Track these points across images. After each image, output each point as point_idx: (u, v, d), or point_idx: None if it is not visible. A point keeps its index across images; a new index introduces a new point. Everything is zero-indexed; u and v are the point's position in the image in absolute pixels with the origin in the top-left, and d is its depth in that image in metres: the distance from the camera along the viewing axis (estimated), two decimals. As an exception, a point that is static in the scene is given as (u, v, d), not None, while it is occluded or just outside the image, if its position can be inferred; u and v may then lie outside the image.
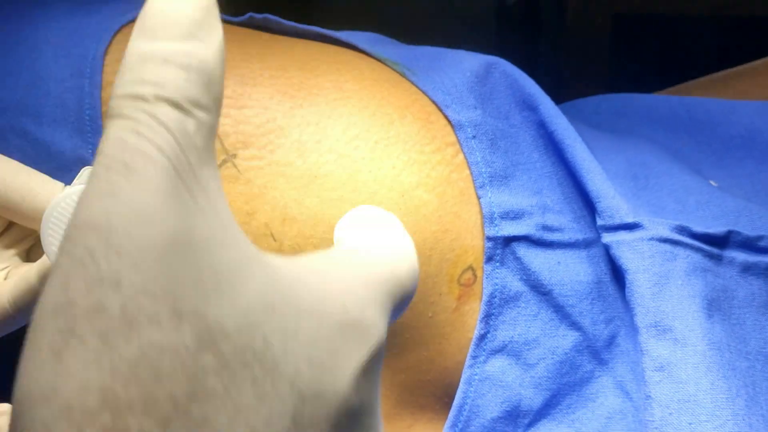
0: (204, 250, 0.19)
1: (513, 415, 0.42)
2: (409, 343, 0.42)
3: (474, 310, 0.42)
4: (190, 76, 0.20)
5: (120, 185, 0.18)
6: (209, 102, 0.20)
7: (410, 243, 0.27)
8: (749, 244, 0.44)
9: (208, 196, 0.20)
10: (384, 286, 0.24)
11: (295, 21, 0.47)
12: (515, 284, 0.42)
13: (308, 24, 0.47)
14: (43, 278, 0.35)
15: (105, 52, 0.40)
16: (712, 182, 0.49)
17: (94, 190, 0.18)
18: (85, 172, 0.38)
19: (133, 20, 0.42)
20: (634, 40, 1.04)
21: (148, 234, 0.17)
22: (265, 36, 0.46)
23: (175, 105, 0.19)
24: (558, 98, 0.54)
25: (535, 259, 0.43)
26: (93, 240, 0.17)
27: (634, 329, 0.42)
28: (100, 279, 0.17)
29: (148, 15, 0.20)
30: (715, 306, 0.43)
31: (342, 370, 0.21)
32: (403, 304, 0.25)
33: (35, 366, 0.17)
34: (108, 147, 0.18)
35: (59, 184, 0.37)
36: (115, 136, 0.19)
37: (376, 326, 0.23)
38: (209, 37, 0.21)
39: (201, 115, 0.20)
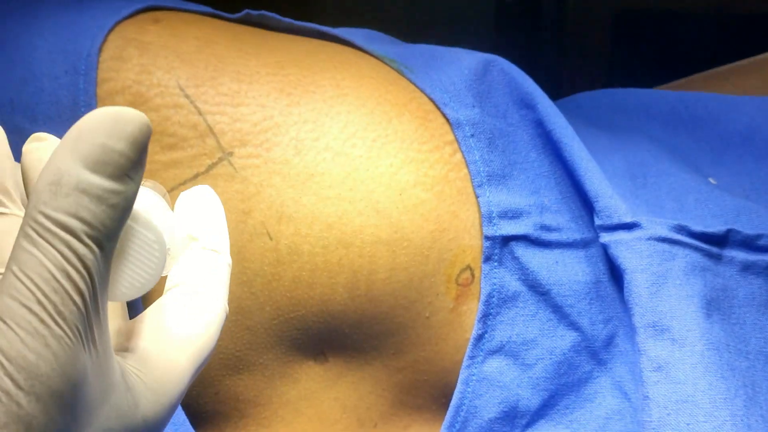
0: (86, 403, 0.23)
1: (511, 415, 0.41)
2: (405, 343, 0.41)
3: (472, 310, 0.42)
4: (115, 214, 0.23)
5: (46, 335, 0.21)
6: (119, 232, 0.23)
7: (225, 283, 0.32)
8: (749, 243, 0.44)
9: (101, 336, 0.23)
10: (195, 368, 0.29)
11: (292, 18, 0.47)
12: (513, 284, 0.42)
13: (305, 21, 0.47)
14: None
15: (100, 49, 0.40)
16: (711, 180, 0.49)
17: (22, 329, 0.21)
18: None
19: (128, 16, 0.41)
20: (635, 38, 1.04)
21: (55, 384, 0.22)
22: (262, 33, 0.45)
23: (99, 244, 0.22)
24: (557, 96, 0.53)
25: (534, 258, 0.42)
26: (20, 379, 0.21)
27: (632, 329, 0.42)
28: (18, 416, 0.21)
29: (91, 143, 0.22)
30: (714, 305, 0.42)
31: None
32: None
33: None
34: (36, 277, 0.21)
35: None
36: (41, 267, 0.21)
37: None
38: (137, 174, 0.23)
39: (112, 245, 0.23)
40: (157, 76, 0.40)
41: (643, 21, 1.05)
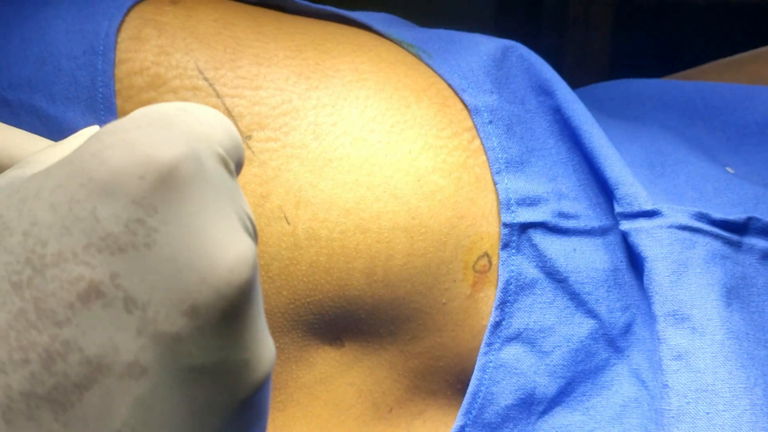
0: None
1: (527, 402, 0.41)
2: (422, 329, 0.41)
3: (489, 297, 0.42)
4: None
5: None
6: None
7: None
8: None
9: None
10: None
11: (308, 1, 0.47)
12: (531, 271, 0.42)
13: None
14: None
15: (118, 29, 0.39)
16: (728, 169, 0.49)
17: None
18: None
19: None
20: (636, 29, 1.04)
21: None
22: (280, 15, 0.45)
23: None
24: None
25: (551, 246, 0.42)
26: None
27: (650, 317, 0.42)
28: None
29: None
30: (734, 294, 0.42)
31: None
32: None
33: None
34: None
35: (45, 141, 0.35)
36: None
37: None
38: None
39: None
40: (176, 57, 0.39)
41: (644, 12, 1.05)
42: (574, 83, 0.65)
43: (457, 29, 0.50)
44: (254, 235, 0.25)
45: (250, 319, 0.22)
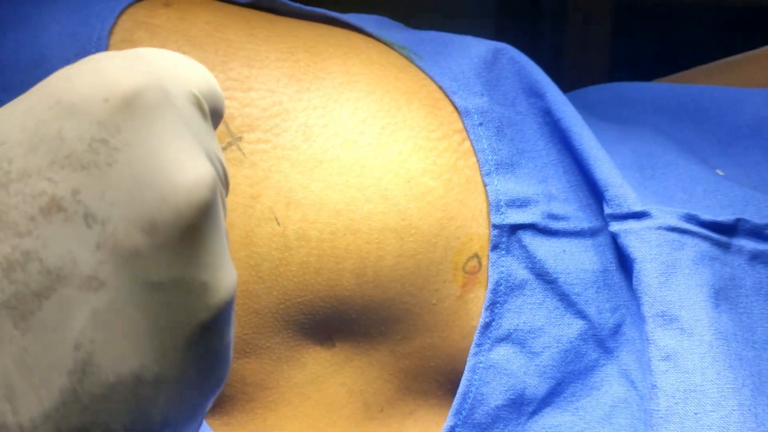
0: None
1: (517, 403, 0.42)
2: (412, 329, 0.41)
3: (479, 298, 0.42)
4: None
5: None
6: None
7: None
8: (757, 233, 0.44)
9: None
10: None
11: (301, 3, 0.47)
12: (521, 272, 0.42)
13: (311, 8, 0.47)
14: None
15: (110, 32, 0.39)
16: (718, 171, 0.49)
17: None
18: None
19: (137, 0, 0.41)
20: (636, 29, 1.04)
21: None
22: (272, 18, 0.45)
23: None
24: (559, 88, 0.53)
25: (541, 247, 0.43)
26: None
27: (639, 318, 0.42)
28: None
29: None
30: (722, 295, 0.42)
31: None
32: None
33: None
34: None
35: None
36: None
37: None
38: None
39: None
40: None
41: (643, 13, 1.05)
42: (574, 83, 0.65)
43: (457, 29, 0.50)
44: (224, 176, 0.25)
45: (209, 240, 0.23)
